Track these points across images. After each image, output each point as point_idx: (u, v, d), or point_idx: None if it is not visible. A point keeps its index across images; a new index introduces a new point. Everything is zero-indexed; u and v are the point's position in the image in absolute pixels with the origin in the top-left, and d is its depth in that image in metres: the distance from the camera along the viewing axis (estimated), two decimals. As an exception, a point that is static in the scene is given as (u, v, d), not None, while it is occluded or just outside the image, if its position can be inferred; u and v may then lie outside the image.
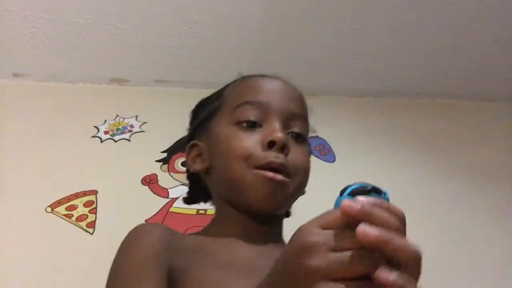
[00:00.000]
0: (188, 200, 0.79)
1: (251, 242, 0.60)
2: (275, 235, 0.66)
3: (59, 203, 1.38)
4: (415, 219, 1.59)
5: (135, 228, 0.61)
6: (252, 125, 0.63)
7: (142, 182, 1.46)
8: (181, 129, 1.60)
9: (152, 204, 1.41)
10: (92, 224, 1.35)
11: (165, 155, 1.55)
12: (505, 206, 1.56)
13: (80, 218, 1.35)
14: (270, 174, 0.59)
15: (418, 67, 1.76)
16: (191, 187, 0.77)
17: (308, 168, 0.65)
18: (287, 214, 0.71)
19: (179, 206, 1.42)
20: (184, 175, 1.47)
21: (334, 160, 1.61)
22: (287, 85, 0.70)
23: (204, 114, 0.72)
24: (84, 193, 1.41)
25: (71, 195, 1.40)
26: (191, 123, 0.78)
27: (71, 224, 1.34)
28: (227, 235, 0.61)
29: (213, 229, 0.66)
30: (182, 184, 1.47)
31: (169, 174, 1.50)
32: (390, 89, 1.84)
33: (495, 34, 1.64)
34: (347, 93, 1.84)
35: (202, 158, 0.68)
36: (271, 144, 0.60)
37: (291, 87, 0.70)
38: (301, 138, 0.65)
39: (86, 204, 1.38)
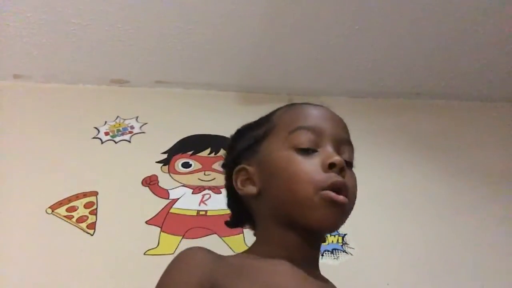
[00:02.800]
0: (232, 224, 0.81)
1: (296, 265, 0.63)
2: (315, 259, 0.70)
3: (59, 204, 1.38)
4: (414, 219, 1.60)
5: (183, 252, 0.63)
6: (307, 150, 0.66)
7: (142, 183, 1.46)
8: (181, 130, 1.62)
9: (153, 205, 1.41)
10: (92, 226, 1.35)
11: (165, 156, 1.55)
12: (505, 206, 1.56)
13: (81, 219, 1.35)
14: (334, 195, 0.62)
15: (418, 68, 1.77)
16: (234, 210, 0.79)
17: (356, 191, 0.69)
18: (324, 240, 0.78)
19: (180, 207, 1.42)
20: (185, 176, 1.50)
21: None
22: (333, 112, 0.74)
23: (251, 139, 0.74)
24: (85, 194, 1.41)
25: (72, 196, 1.40)
26: (232, 147, 0.79)
27: (71, 225, 1.34)
28: (272, 257, 0.64)
29: (259, 249, 0.68)
30: (183, 185, 1.47)
31: (170, 175, 1.50)
32: (390, 90, 1.84)
33: (495, 34, 1.64)
34: (347, 93, 1.84)
35: (252, 182, 0.70)
36: (331, 166, 0.64)
37: (337, 115, 0.74)
38: (349, 165, 0.69)
39: (86, 206, 1.38)
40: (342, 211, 0.64)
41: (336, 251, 1.38)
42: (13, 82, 1.68)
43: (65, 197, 1.40)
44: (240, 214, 0.77)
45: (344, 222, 0.68)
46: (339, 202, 0.62)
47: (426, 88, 1.85)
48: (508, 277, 1.39)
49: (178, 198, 1.44)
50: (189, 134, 1.62)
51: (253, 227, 0.76)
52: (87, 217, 1.36)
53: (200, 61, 1.69)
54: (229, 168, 0.76)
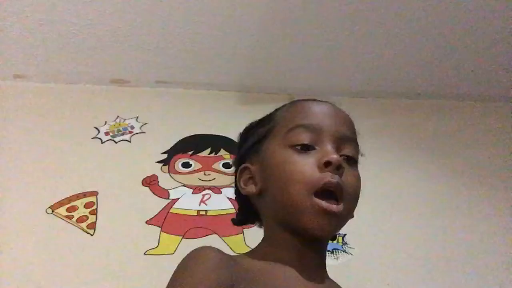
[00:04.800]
0: (238, 221, 0.80)
1: (305, 268, 0.63)
2: (322, 258, 0.69)
3: (59, 204, 1.38)
4: (414, 219, 1.60)
5: (197, 251, 0.60)
6: (306, 148, 0.64)
7: (142, 183, 1.46)
8: (181, 130, 1.62)
9: (153, 205, 1.41)
10: (92, 225, 1.35)
11: (165, 156, 1.55)
12: (505, 206, 1.56)
13: (81, 219, 1.36)
14: (325, 205, 0.60)
15: (418, 68, 1.77)
16: (240, 208, 0.78)
17: (359, 192, 0.67)
18: (333, 237, 0.75)
19: (180, 207, 1.42)
20: (185, 176, 1.50)
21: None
22: (338, 108, 0.72)
23: (254, 137, 0.73)
24: (85, 194, 1.41)
25: (72, 196, 1.40)
26: (240, 146, 0.78)
27: (71, 225, 1.34)
28: (280, 260, 0.63)
29: (266, 251, 0.67)
30: (183, 185, 1.48)
31: (170, 175, 1.50)
32: (390, 90, 1.84)
33: (495, 34, 1.64)
34: (347, 94, 1.84)
35: (254, 181, 0.69)
36: (327, 164, 0.62)
37: (341, 110, 0.72)
38: (352, 161, 0.67)
39: (86, 205, 1.39)
40: (336, 219, 0.62)
41: (336, 251, 1.38)
42: (13, 82, 1.68)
43: (65, 197, 1.40)
44: (247, 212, 0.77)
45: (342, 226, 0.66)
46: (331, 212, 0.61)
47: (426, 88, 1.85)
48: (508, 276, 1.39)
49: (178, 198, 1.44)
50: (189, 134, 1.62)
51: (261, 224, 0.76)
52: (87, 217, 1.36)
53: (200, 61, 1.69)
54: (236, 166, 0.76)
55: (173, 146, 1.58)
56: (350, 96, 1.84)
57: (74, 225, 1.34)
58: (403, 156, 1.68)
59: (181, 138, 1.60)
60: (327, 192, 0.61)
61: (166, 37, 1.60)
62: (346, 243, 1.40)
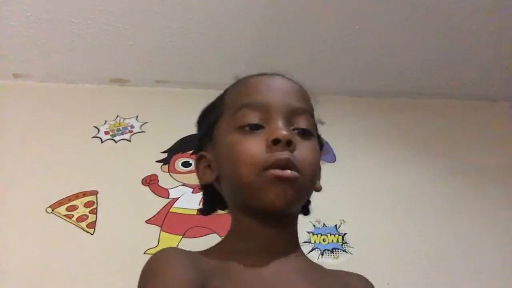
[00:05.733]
0: (204, 211, 0.76)
1: (274, 256, 0.60)
2: (293, 239, 0.66)
3: (59, 203, 1.38)
4: (414, 219, 1.60)
5: (158, 254, 0.57)
6: (255, 127, 0.61)
7: (142, 183, 1.47)
8: (181, 130, 1.62)
9: (153, 205, 1.41)
10: (92, 225, 1.35)
11: (165, 155, 1.55)
12: (505, 206, 1.56)
13: (81, 218, 1.36)
14: (278, 172, 0.58)
15: (418, 67, 1.77)
16: (205, 198, 0.74)
17: (316, 161, 0.64)
18: (306, 212, 0.71)
19: (180, 206, 1.42)
20: (185, 176, 1.50)
21: (334, 160, 1.61)
22: (287, 80, 0.68)
23: (206, 123, 0.69)
24: (85, 194, 1.41)
25: (72, 195, 1.40)
26: (197, 134, 0.75)
27: (71, 224, 1.34)
28: (248, 249, 0.61)
29: (233, 243, 0.64)
30: (183, 185, 1.48)
31: (170, 174, 1.50)
32: (390, 89, 1.84)
33: (495, 34, 1.64)
34: (347, 93, 1.84)
35: (211, 168, 0.66)
36: (275, 142, 0.59)
37: (290, 82, 0.68)
38: (307, 133, 0.64)
39: (86, 205, 1.39)
40: (293, 186, 0.59)
41: (336, 250, 1.38)
42: (13, 82, 1.68)
43: (65, 196, 1.40)
44: (210, 201, 0.73)
45: (303, 196, 0.63)
46: (286, 178, 0.58)
47: (426, 88, 1.85)
48: (508, 276, 1.39)
49: (178, 198, 1.44)
50: (189, 134, 1.62)
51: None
52: (87, 216, 1.36)
53: (200, 61, 1.69)
54: (195, 155, 0.72)
55: (173, 146, 1.58)
56: (350, 95, 1.84)
57: (74, 224, 1.34)
58: (402, 155, 1.67)
59: (181, 137, 1.60)
60: (277, 167, 0.59)
61: (166, 37, 1.60)
62: (346, 243, 1.40)
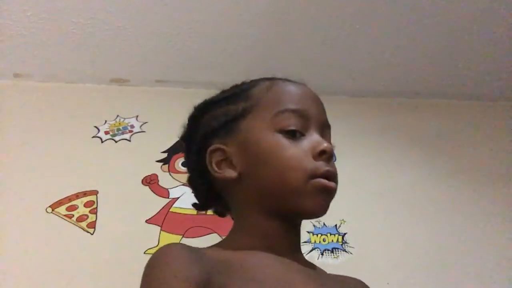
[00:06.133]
0: (202, 206, 0.75)
1: (280, 255, 0.61)
2: (298, 241, 0.68)
3: (59, 203, 1.38)
4: (414, 219, 1.60)
5: (161, 250, 0.57)
6: (294, 134, 0.63)
7: (142, 182, 1.47)
8: (181, 129, 1.62)
9: (153, 204, 1.41)
10: (92, 225, 1.35)
11: (165, 155, 1.55)
12: (505, 206, 1.56)
13: (81, 218, 1.36)
14: (326, 182, 0.61)
15: (418, 67, 1.76)
16: (201, 192, 0.73)
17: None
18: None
19: (180, 206, 1.42)
20: (185, 175, 1.49)
21: (334, 160, 1.61)
22: (314, 92, 0.71)
23: (227, 116, 0.67)
24: (85, 193, 1.41)
25: (72, 195, 1.40)
26: (198, 120, 0.73)
27: (71, 224, 1.34)
28: (255, 247, 0.61)
29: (239, 240, 0.64)
30: (183, 184, 1.47)
31: (170, 174, 1.50)
32: (390, 89, 1.84)
33: (495, 34, 1.64)
34: (347, 93, 1.84)
35: (230, 164, 0.64)
36: (321, 154, 0.62)
37: (317, 95, 0.71)
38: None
39: (86, 205, 1.39)
40: (331, 197, 0.63)
41: (336, 250, 1.38)
42: (13, 82, 1.68)
43: (65, 196, 1.40)
44: (208, 194, 0.71)
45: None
46: (331, 189, 0.62)
47: (426, 88, 1.85)
48: (508, 275, 1.40)
49: (178, 197, 1.44)
50: (189, 134, 1.62)
51: (225, 209, 0.72)
52: (87, 216, 1.36)
53: (200, 60, 1.69)
54: (198, 145, 0.70)
55: (173, 145, 1.58)
56: (350, 96, 1.84)
57: (74, 224, 1.34)
58: (402, 156, 1.68)
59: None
60: (325, 178, 0.62)
61: (166, 37, 1.60)
62: (346, 242, 1.40)
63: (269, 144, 0.62)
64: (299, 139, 0.63)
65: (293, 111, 0.64)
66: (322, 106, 0.69)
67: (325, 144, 0.62)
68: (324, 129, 0.67)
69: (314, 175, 0.61)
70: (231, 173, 0.64)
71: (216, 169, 0.65)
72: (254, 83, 0.71)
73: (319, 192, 0.61)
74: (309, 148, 0.62)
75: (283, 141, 0.62)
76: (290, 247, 0.64)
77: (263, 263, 0.59)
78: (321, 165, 0.62)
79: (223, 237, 0.69)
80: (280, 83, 0.69)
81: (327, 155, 0.62)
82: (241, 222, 0.66)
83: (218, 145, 0.66)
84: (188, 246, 0.57)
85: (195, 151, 0.71)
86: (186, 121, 0.76)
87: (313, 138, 0.63)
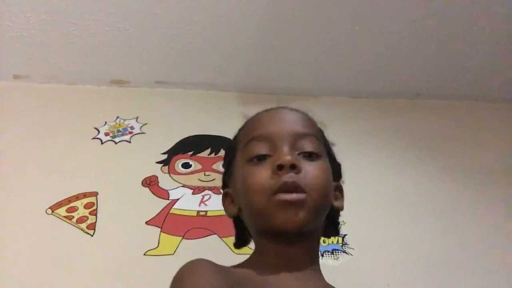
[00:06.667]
0: (238, 244, 0.80)
1: (294, 271, 0.64)
2: (313, 255, 0.69)
3: (59, 204, 1.38)
4: (414, 219, 1.60)
5: (189, 264, 0.59)
6: (263, 158, 0.66)
7: (142, 184, 1.46)
8: (181, 131, 1.62)
9: (153, 206, 1.41)
10: (92, 226, 1.35)
11: (165, 156, 1.55)
12: (505, 206, 1.56)
13: (81, 219, 1.36)
14: (285, 196, 0.61)
15: (418, 68, 1.76)
16: (236, 231, 0.79)
17: (325, 180, 0.67)
18: (327, 234, 0.76)
19: (180, 207, 1.42)
20: (184, 177, 1.50)
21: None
22: (292, 111, 0.73)
23: (226, 162, 0.76)
24: (85, 195, 1.41)
25: (72, 196, 1.40)
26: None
27: (71, 226, 1.34)
28: (270, 267, 0.64)
29: (256, 261, 0.68)
30: (183, 186, 1.47)
31: (170, 175, 1.50)
32: (390, 90, 1.84)
33: (495, 34, 1.64)
34: (347, 94, 1.84)
35: (233, 203, 0.71)
36: (280, 168, 0.63)
37: (294, 111, 0.73)
38: (314, 155, 0.67)
39: (86, 206, 1.38)
40: (302, 207, 0.62)
41: (336, 251, 1.38)
42: (13, 82, 1.68)
43: (65, 197, 1.40)
44: (242, 233, 0.78)
45: (316, 215, 0.65)
46: (292, 201, 0.61)
47: (426, 88, 1.85)
48: (508, 275, 1.39)
49: (178, 199, 1.44)
50: (189, 134, 1.62)
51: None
52: (87, 218, 1.36)
53: (200, 61, 1.69)
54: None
55: (173, 147, 1.58)
56: (350, 96, 1.84)
57: (74, 225, 1.34)
58: (402, 156, 1.67)
59: (181, 138, 1.60)
60: (285, 191, 0.62)
61: (166, 38, 1.60)
62: (346, 244, 1.40)
63: (241, 175, 0.68)
64: (265, 161, 0.65)
65: (257, 138, 0.68)
66: (294, 120, 0.70)
67: (282, 157, 0.63)
68: (298, 140, 0.67)
69: (273, 192, 0.62)
70: (232, 211, 0.72)
71: (227, 210, 0.73)
72: (242, 125, 0.76)
73: (282, 207, 0.61)
74: (269, 167, 0.64)
75: (248, 169, 0.66)
76: (304, 262, 0.66)
77: (278, 280, 0.62)
78: (280, 179, 0.62)
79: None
80: (252, 117, 0.74)
81: (285, 168, 0.62)
82: (257, 246, 0.71)
83: (225, 190, 0.74)
84: (212, 262, 0.60)
85: None
86: None
87: (275, 157, 0.65)
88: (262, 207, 0.63)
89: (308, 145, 0.67)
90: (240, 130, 0.75)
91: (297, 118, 0.71)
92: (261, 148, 0.66)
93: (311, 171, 0.64)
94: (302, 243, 0.66)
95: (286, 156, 0.63)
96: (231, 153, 0.74)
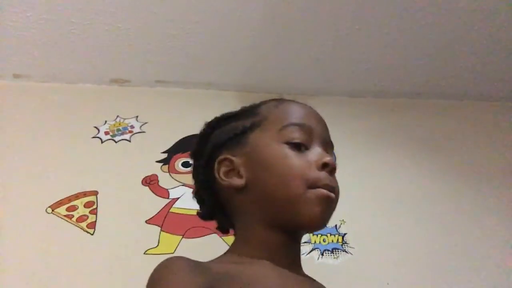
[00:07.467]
0: (207, 215, 0.77)
1: (281, 268, 0.63)
2: (299, 254, 0.69)
3: (59, 203, 1.38)
4: (414, 219, 1.60)
5: (165, 262, 0.58)
6: (299, 147, 0.66)
7: (142, 183, 1.47)
8: (181, 130, 1.62)
9: (153, 205, 1.41)
10: (92, 225, 1.35)
11: (165, 155, 1.55)
12: (505, 206, 1.56)
13: (81, 218, 1.36)
14: (327, 192, 0.63)
15: (418, 68, 1.77)
16: (206, 202, 0.75)
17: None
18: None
19: (180, 206, 1.42)
20: (185, 176, 1.50)
21: (334, 160, 1.61)
22: (318, 113, 0.75)
23: (236, 129, 0.72)
24: (85, 194, 1.41)
25: (72, 195, 1.40)
26: (207, 136, 0.76)
27: (71, 225, 1.34)
28: (256, 261, 0.63)
29: (240, 251, 0.66)
30: (183, 185, 1.48)
31: (170, 174, 1.50)
32: (390, 90, 1.84)
33: (495, 34, 1.64)
34: (347, 93, 1.84)
35: (238, 174, 0.68)
36: (324, 166, 0.65)
37: (321, 116, 0.75)
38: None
39: (86, 205, 1.39)
40: (331, 208, 0.65)
41: (336, 250, 1.38)
42: (13, 82, 1.68)
43: (65, 196, 1.40)
44: (213, 206, 0.74)
45: (328, 222, 0.67)
46: (330, 198, 0.63)
47: (426, 88, 1.85)
48: (508, 275, 1.39)
49: (178, 198, 1.44)
50: (189, 134, 1.62)
51: (228, 222, 0.74)
52: (87, 217, 1.36)
53: (200, 61, 1.69)
54: (206, 157, 0.73)
55: (173, 146, 1.58)
56: (350, 96, 1.84)
57: (74, 224, 1.34)
58: (402, 156, 1.67)
59: (181, 137, 1.60)
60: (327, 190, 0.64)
61: (166, 37, 1.60)
62: (346, 243, 1.40)
63: (275, 153, 0.65)
64: (303, 152, 0.66)
65: (299, 126, 0.68)
66: (326, 127, 0.73)
67: (328, 158, 0.65)
68: (327, 147, 0.70)
69: (314, 185, 0.63)
70: (238, 182, 0.67)
71: (224, 177, 0.68)
72: (262, 102, 0.76)
73: (318, 201, 0.62)
74: (313, 159, 0.65)
75: (288, 151, 0.65)
76: (290, 261, 0.66)
77: (263, 274, 0.60)
78: (323, 177, 0.64)
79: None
80: (287, 102, 0.74)
81: (329, 168, 0.65)
82: (243, 234, 0.68)
83: (226, 155, 0.70)
84: (190, 259, 0.59)
85: (203, 163, 0.73)
86: (197, 137, 0.79)
87: (316, 151, 0.66)
88: (297, 195, 0.62)
89: (332, 156, 0.70)
90: (265, 107, 0.74)
91: (326, 125, 0.73)
92: (301, 136, 0.67)
93: (337, 184, 0.68)
94: (298, 240, 0.68)
95: (330, 157, 0.66)
96: (249, 123, 0.71)
